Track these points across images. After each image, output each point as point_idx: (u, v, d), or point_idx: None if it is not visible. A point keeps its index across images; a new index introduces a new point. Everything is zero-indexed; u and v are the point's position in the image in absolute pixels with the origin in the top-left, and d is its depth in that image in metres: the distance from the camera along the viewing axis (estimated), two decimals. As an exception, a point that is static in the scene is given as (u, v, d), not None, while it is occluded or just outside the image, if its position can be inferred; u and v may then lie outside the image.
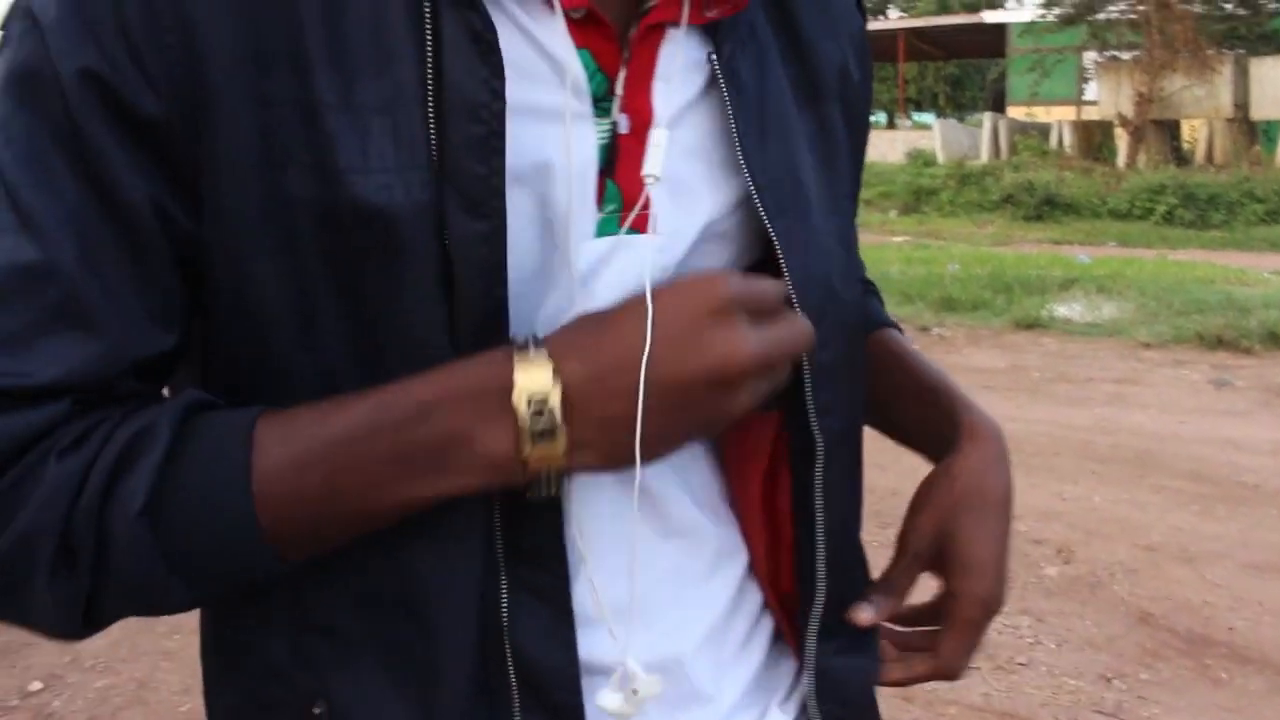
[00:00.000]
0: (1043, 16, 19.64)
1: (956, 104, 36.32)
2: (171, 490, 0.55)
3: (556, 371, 0.56)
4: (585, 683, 0.64)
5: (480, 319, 0.58)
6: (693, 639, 0.71)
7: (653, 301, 0.57)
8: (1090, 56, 20.53)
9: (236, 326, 0.59)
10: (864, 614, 0.74)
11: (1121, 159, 18.03)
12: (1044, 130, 20.76)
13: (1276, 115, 17.94)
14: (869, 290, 0.92)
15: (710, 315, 0.57)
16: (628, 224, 0.63)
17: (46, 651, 3.14)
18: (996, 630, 3.24)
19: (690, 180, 0.65)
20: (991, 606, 0.74)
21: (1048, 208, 14.91)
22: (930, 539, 0.75)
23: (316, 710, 0.62)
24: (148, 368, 0.58)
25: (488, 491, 0.59)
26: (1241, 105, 17.99)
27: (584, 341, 0.58)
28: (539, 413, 0.56)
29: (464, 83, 0.56)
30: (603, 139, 0.62)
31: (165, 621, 3.30)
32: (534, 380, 0.56)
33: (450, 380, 0.57)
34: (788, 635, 0.77)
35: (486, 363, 0.57)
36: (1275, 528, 4.01)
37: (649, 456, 0.58)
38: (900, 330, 0.90)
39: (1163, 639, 3.20)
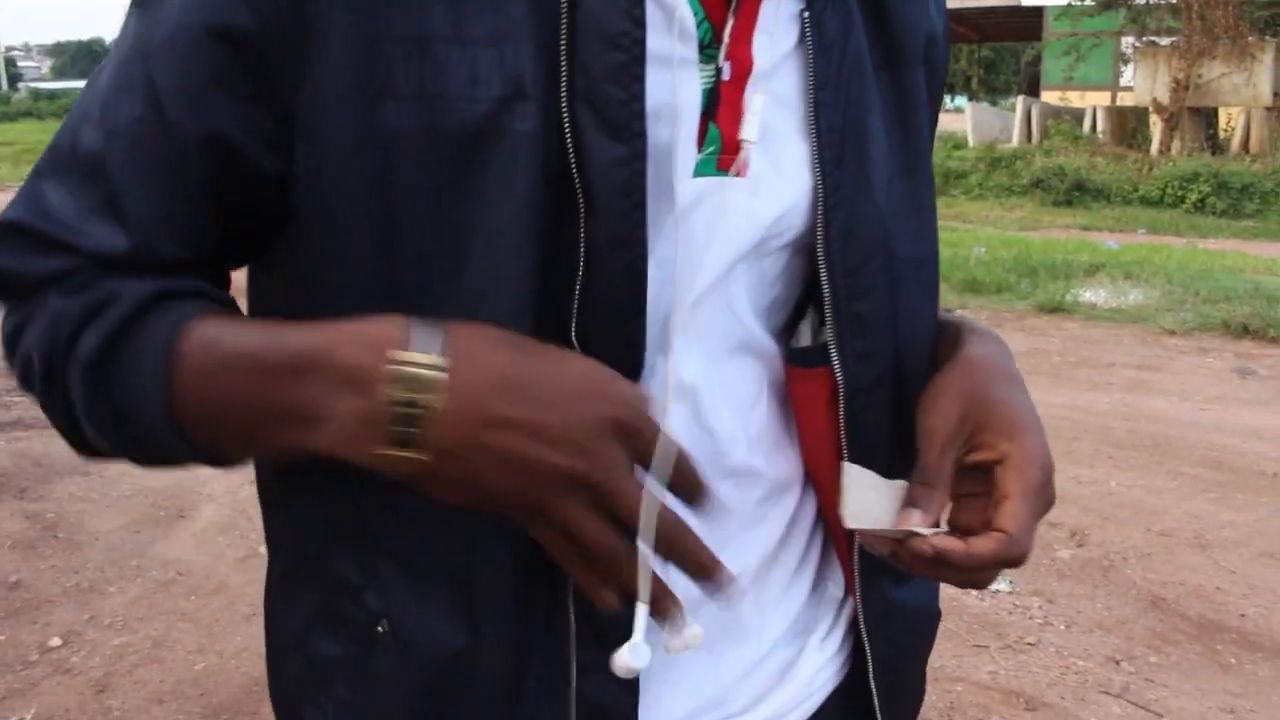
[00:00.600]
0: (1081, 0, 19.39)
1: (990, 87, 35.93)
2: (115, 359, 0.61)
3: (441, 386, 0.55)
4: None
5: (616, 239, 0.61)
6: (740, 578, 0.74)
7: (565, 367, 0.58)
8: (1128, 41, 20.24)
9: (319, 249, 0.63)
10: (912, 518, 0.67)
11: (1155, 146, 17.79)
12: (1078, 115, 20.49)
13: (1316, 104, 17.62)
14: None
15: (599, 419, 0.57)
16: (734, 165, 0.67)
17: (66, 609, 3.20)
18: (1007, 610, 3.25)
19: (781, 128, 0.69)
20: (1048, 470, 0.68)
21: (1078, 193, 14.73)
22: (960, 418, 0.70)
23: (380, 629, 0.67)
24: (179, 267, 0.65)
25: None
26: (1281, 93, 17.70)
27: (490, 360, 0.57)
28: (406, 415, 0.55)
29: (602, 12, 0.60)
30: (707, 84, 0.66)
31: (182, 582, 3.36)
32: (415, 379, 0.55)
33: (332, 343, 0.58)
34: (846, 570, 0.80)
35: (379, 333, 0.57)
36: (1293, 516, 3.98)
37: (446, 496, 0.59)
38: None
39: (1173, 623, 3.19)
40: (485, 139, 0.60)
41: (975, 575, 0.67)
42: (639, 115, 0.61)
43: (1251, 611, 3.26)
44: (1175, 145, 17.36)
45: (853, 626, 0.83)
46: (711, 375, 0.69)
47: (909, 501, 0.68)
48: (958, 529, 0.69)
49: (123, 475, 4.27)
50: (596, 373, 0.59)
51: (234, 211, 0.65)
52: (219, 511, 3.95)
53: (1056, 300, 7.71)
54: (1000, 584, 3.41)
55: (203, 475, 4.32)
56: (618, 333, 0.63)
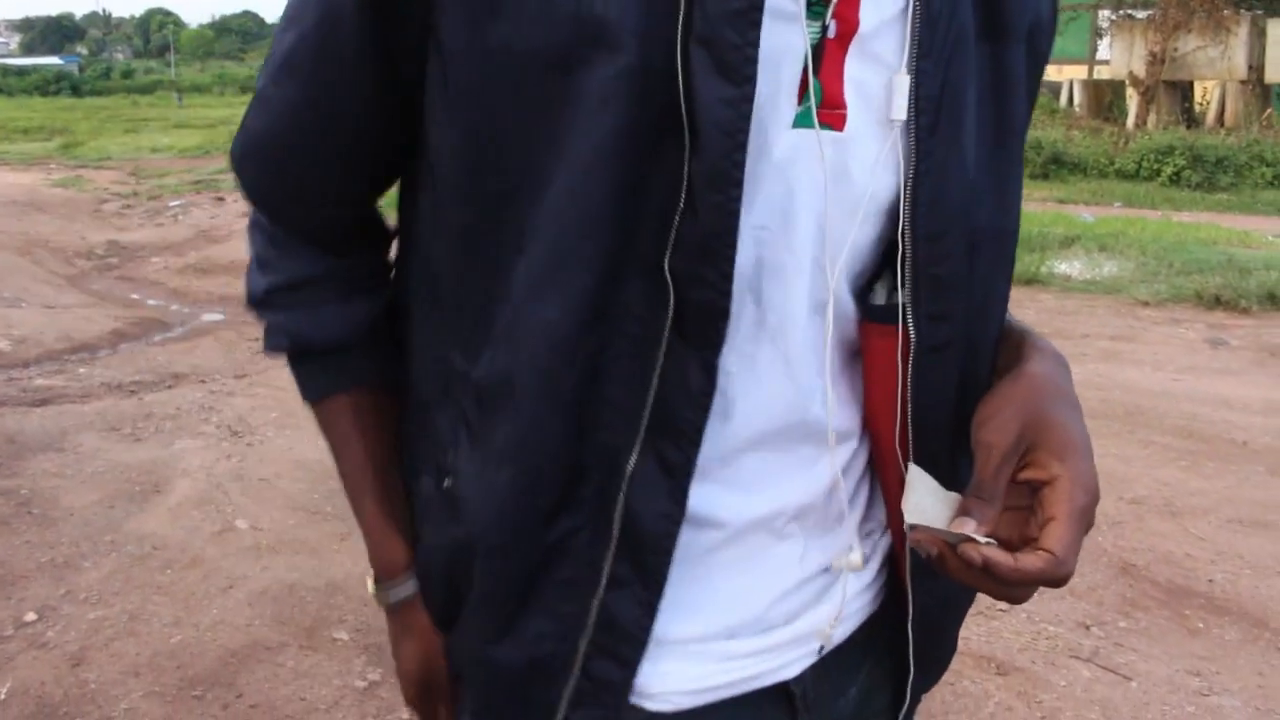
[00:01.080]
0: (1056, -27, 19.33)
1: (968, 62, 35.83)
2: (272, 315, 0.88)
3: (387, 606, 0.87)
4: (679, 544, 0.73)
5: (714, 175, 0.65)
6: (785, 513, 0.79)
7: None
8: (1104, 15, 20.26)
9: (432, 163, 0.71)
10: (966, 526, 0.70)
11: (1131, 119, 17.86)
12: (1054, 89, 20.55)
13: (1291, 78, 17.70)
14: None
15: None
16: (833, 120, 0.70)
17: (40, 584, 3.19)
18: (979, 578, 3.28)
19: (877, 90, 0.71)
20: (1095, 495, 0.70)
21: (1054, 166, 14.79)
22: (1018, 434, 0.72)
23: (445, 483, 0.77)
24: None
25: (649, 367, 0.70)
26: (1256, 67, 17.73)
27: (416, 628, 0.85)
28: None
29: None
30: (813, 39, 0.68)
31: (157, 556, 3.36)
32: (376, 596, 0.88)
33: (370, 544, 0.88)
34: (894, 518, 0.83)
35: (385, 550, 0.87)
36: (1261, 484, 4.04)
37: None
38: None
39: (1143, 589, 3.24)
40: (583, 64, 0.63)
41: (1015, 590, 0.70)
42: (752, 60, 0.63)
43: (1219, 577, 3.31)
44: (1151, 119, 17.44)
45: (884, 566, 0.88)
46: (795, 327, 0.73)
47: (963, 511, 0.71)
48: (997, 541, 0.70)
49: (97, 451, 4.25)
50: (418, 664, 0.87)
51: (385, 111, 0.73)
52: (194, 486, 3.94)
53: (1032, 272, 7.75)
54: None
55: (178, 450, 4.31)
56: (707, 270, 0.67)
